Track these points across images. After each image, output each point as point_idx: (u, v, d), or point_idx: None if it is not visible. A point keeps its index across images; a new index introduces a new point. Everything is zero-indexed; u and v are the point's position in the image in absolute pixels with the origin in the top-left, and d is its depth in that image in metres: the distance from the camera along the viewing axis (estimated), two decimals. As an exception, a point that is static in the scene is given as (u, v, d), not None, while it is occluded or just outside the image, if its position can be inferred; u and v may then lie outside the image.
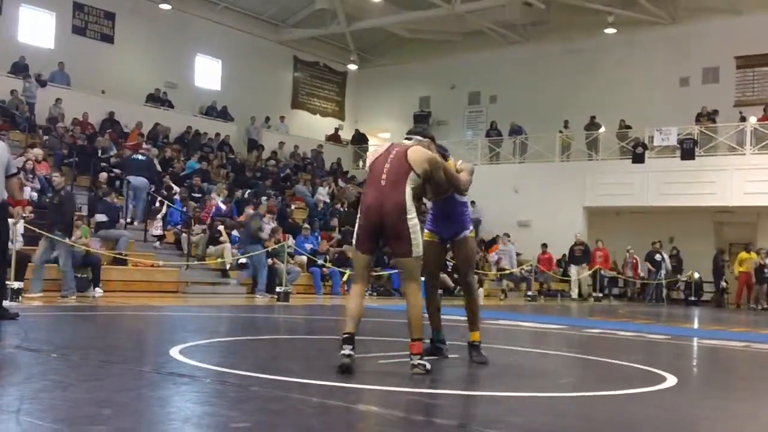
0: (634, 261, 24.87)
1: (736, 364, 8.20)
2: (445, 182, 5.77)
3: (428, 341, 6.23)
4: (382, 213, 5.30)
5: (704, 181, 23.25)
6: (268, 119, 29.64)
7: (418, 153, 5.51)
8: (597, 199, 25.49)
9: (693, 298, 24.20)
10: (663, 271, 24.18)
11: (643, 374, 6.12)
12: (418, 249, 5.35)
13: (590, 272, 23.96)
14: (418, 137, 5.85)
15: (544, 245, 24.38)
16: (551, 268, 24.35)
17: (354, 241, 5.51)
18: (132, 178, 17.81)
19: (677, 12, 26.84)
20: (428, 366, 5.28)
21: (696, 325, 14.62)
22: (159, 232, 17.37)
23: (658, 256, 24.18)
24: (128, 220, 17.32)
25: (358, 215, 5.52)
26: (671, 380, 5.68)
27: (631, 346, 9.20)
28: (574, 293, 23.91)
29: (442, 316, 6.48)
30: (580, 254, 24.00)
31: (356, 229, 5.51)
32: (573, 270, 24.17)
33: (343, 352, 5.12)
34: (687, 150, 23.58)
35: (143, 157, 18.43)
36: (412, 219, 5.29)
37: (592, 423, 4.26)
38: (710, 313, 19.86)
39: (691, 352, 9.10)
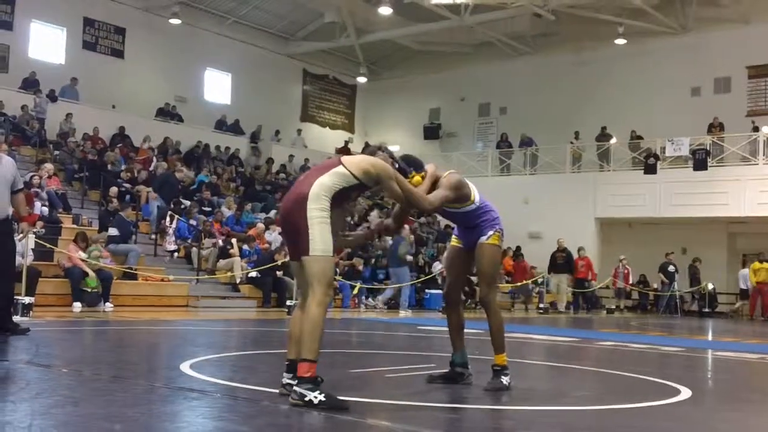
0: (627, 271, 23.98)
1: (750, 377, 8.12)
2: (402, 197, 5.13)
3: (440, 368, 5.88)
4: (284, 208, 4.73)
5: (717, 191, 23.11)
6: (278, 132, 29.72)
7: (358, 156, 4.96)
8: (609, 210, 25.38)
9: (707, 310, 24.00)
10: (676, 283, 23.95)
11: (657, 387, 6.05)
12: (317, 246, 4.49)
13: (600, 286, 23.55)
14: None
15: (519, 254, 24.10)
16: (526, 277, 22.93)
17: None
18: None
19: (688, 22, 26.78)
20: (312, 397, 4.26)
21: (710, 337, 14.52)
22: (173, 247, 17.41)
23: (671, 268, 23.96)
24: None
25: None
26: (685, 393, 5.62)
27: (645, 358, 9.12)
28: (561, 305, 22.17)
29: (447, 329, 6.02)
30: (562, 261, 22.40)
31: None
32: (554, 279, 22.41)
33: (282, 380, 4.71)
34: (699, 160, 23.48)
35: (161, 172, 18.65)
36: (315, 211, 4.53)
37: (607, 437, 4.22)
38: (725, 325, 19.72)
39: (705, 365, 9.02)
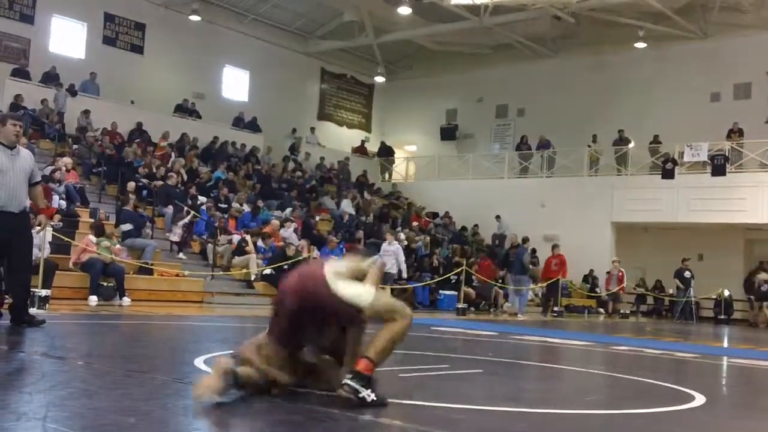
0: (620, 273, 23.43)
1: (766, 384, 8.06)
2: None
3: None
4: (300, 298, 4.40)
5: (735, 197, 22.97)
6: (294, 131, 29.77)
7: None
8: (625, 215, 25.24)
9: (723, 317, 23.84)
10: (692, 289, 23.76)
11: (671, 392, 6.02)
12: (360, 297, 4.32)
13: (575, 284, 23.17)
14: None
15: (484, 250, 23.73)
16: (493, 276, 21.72)
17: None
18: None
19: (708, 27, 26.61)
20: (365, 394, 4.19)
21: (725, 344, 14.42)
22: (176, 238, 17.25)
23: (687, 273, 23.78)
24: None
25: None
26: (700, 399, 5.58)
27: (659, 364, 9.07)
28: (515, 307, 20.35)
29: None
30: (514, 259, 20.99)
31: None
32: (509, 279, 21.11)
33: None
34: (718, 166, 23.32)
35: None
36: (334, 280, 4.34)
37: (620, 441, 4.20)
38: (740, 332, 19.58)
39: (720, 371, 8.96)
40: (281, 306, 4.48)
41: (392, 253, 18.67)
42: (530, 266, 20.39)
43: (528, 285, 20.20)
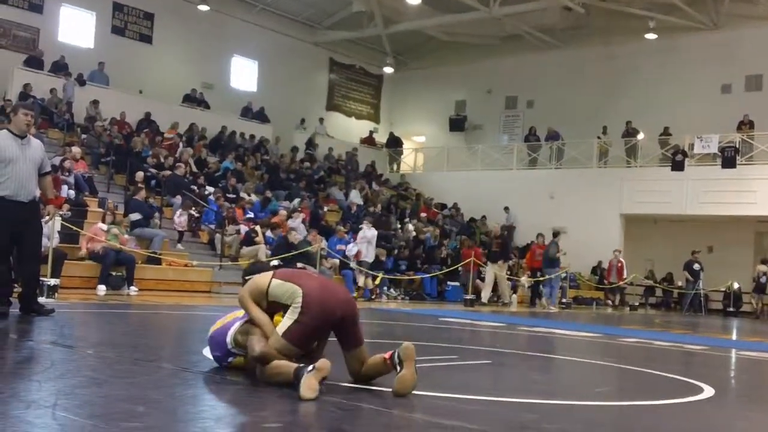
0: (620, 264, 23.32)
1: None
2: None
3: None
4: (347, 302, 4.74)
5: (745, 190, 22.85)
6: (303, 121, 29.74)
7: None
8: (634, 207, 25.16)
9: (732, 309, 23.77)
10: (701, 281, 23.68)
11: (680, 384, 6.01)
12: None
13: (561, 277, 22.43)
14: None
15: (472, 237, 23.64)
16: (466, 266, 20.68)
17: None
18: None
19: (720, 18, 26.44)
20: None
21: (734, 336, 14.39)
22: (179, 227, 16.98)
23: (696, 266, 23.71)
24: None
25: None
26: (708, 391, 5.57)
27: (668, 356, 9.05)
28: (485, 296, 19.33)
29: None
30: (498, 249, 19.91)
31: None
32: (489, 269, 19.73)
33: None
34: (728, 158, 23.20)
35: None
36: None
37: (629, 433, 4.19)
38: (750, 324, 19.52)
39: (729, 364, 8.93)
40: (317, 311, 4.55)
41: (368, 240, 18.74)
42: (558, 257, 20.49)
43: (556, 277, 20.33)
